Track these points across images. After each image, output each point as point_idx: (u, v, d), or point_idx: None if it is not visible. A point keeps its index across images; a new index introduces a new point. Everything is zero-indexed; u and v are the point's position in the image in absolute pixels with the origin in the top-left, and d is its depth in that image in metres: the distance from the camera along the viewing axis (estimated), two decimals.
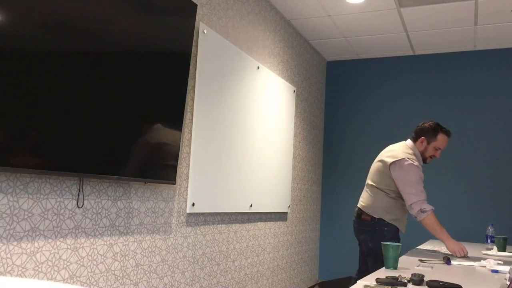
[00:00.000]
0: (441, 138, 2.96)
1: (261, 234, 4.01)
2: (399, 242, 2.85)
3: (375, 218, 2.95)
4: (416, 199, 2.79)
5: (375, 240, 2.90)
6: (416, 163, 2.86)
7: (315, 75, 5.38)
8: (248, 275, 3.78)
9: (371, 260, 2.98)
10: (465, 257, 2.79)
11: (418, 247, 3.25)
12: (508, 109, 4.88)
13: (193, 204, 3.01)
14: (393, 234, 2.93)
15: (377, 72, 5.51)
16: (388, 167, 2.89)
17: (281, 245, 4.42)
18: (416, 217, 2.83)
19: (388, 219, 2.93)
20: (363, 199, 3.07)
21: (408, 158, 2.85)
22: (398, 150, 2.96)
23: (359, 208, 3.07)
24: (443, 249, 3.17)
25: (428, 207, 2.79)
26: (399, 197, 2.93)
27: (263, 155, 3.95)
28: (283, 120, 4.36)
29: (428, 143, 2.96)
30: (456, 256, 2.77)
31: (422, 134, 2.97)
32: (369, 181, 3.07)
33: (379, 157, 3.06)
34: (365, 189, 3.10)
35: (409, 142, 3.04)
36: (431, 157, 3.01)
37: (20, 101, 1.80)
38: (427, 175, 5.04)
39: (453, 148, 5.03)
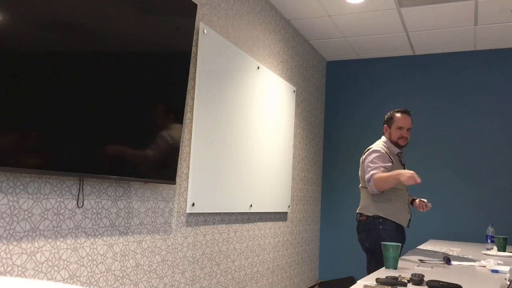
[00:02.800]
0: (398, 117, 3.04)
1: (261, 234, 4.01)
2: (397, 241, 2.80)
3: (370, 216, 2.96)
4: (369, 174, 2.85)
5: (370, 239, 2.91)
6: (379, 148, 2.97)
7: (315, 75, 5.38)
8: (248, 275, 3.78)
9: (368, 260, 2.98)
10: (465, 255, 2.80)
11: (418, 247, 3.25)
12: (508, 109, 4.88)
13: (193, 204, 3.01)
14: (390, 233, 2.88)
15: (377, 72, 5.51)
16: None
17: (281, 245, 4.42)
18: (373, 191, 2.86)
19: (383, 215, 2.91)
20: (360, 202, 3.12)
21: (372, 147, 3.00)
22: (371, 147, 3.09)
23: (357, 213, 3.11)
24: (443, 249, 3.18)
25: (374, 171, 2.82)
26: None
27: (263, 155, 3.95)
28: (283, 120, 4.36)
29: (390, 127, 3.06)
30: (413, 182, 2.64)
31: (384, 123, 3.12)
32: (360, 185, 3.14)
33: None
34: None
35: (382, 137, 3.14)
36: (399, 139, 3.02)
37: (20, 101, 1.81)
38: (427, 175, 5.05)
39: (453, 148, 5.03)
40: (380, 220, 2.90)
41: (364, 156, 3.01)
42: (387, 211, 2.91)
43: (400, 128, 3.01)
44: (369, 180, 2.86)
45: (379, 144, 3.04)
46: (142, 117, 2.42)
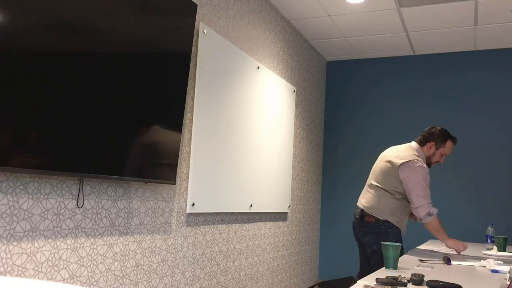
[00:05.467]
0: (449, 145, 2.97)
1: (261, 234, 4.01)
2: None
3: (380, 220, 2.90)
4: (424, 202, 2.79)
5: (379, 243, 2.88)
6: (424, 165, 2.86)
7: (315, 75, 5.38)
8: (248, 275, 3.78)
9: (375, 262, 2.95)
10: (465, 255, 2.82)
11: (418, 247, 3.25)
12: (508, 109, 4.88)
13: (193, 204, 3.01)
14: (397, 236, 2.91)
15: (377, 72, 5.51)
16: (396, 168, 2.85)
17: (281, 245, 4.42)
18: (421, 220, 2.84)
19: (393, 221, 2.89)
20: (366, 200, 3.00)
21: (417, 160, 2.84)
22: (405, 152, 2.93)
23: (361, 209, 3.00)
24: (443, 249, 3.18)
25: (435, 211, 2.82)
26: (405, 198, 2.90)
27: (263, 155, 3.95)
28: (283, 120, 4.36)
29: (437, 149, 2.96)
30: (458, 253, 2.85)
31: (432, 139, 2.96)
32: (373, 182, 3.00)
33: (384, 158, 3.01)
34: (368, 189, 3.04)
35: (414, 144, 3.01)
36: (435, 162, 3.01)
37: (20, 101, 1.81)
38: None
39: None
40: (390, 224, 2.90)
41: (405, 168, 2.83)
42: (396, 218, 2.90)
43: (444, 155, 2.99)
44: (427, 212, 2.80)
45: (417, 155, 2.92)
46: (142, 117, 2.42)
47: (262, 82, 3.93)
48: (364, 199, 3.03)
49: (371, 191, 2.99)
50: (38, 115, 1.87)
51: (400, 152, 2.94)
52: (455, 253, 2.93)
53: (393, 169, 2.87)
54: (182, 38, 2.70)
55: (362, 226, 3.00)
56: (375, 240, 2.91)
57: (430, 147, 2.95)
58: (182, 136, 2.87)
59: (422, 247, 3.30)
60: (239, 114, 3.55)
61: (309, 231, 5.20)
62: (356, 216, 3.07)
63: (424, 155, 2.96)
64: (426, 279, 1.75)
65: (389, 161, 2.93)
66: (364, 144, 5.41)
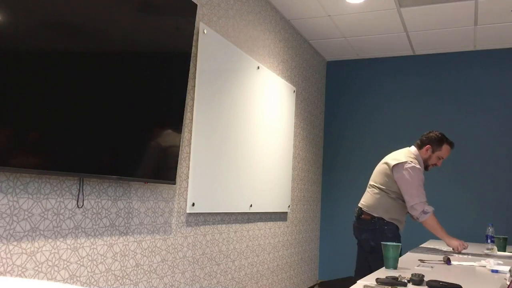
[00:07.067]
0: (445, 148, 3.10)
1: (261, 234, 4.01)
2: (400, 240, 2.99)
3: (375, 217, 3.02)
4: (418, 201, 2.90)
5: (377, 239, 2.97)
6: (418, 166, 2.98)
7: (315, 75, 5.38)
8: (248, 275, 3.78)
9: (373, 259, 3.00)
10: (465, 253, 2.85)
11: (418, 247, 3.25)
12: (508, 109, 4.88)
13: (193, 204, 3.01)
14: (394, 232, 3.00)
15: (377, 72, 5.51)
16: (391, 169, 3.00)
17: (281, 245, 4.42)
18: (418, 218, 2.94)
19: (387, 218, 3.01)
20: (364, 199, 3.15)
21: (410, 161, 2.97)
22: (401, 154, 3.08)
23: (359, 208, 3.14)
24: (443, 248, 3.18)
25: (430, 209, 2.91)
26: (399, 198, 3.01)
27: (263, 155, 3.95)
28: (283, 120, 4.36)
29: (433, 152, 3.08)
30: (458, 252, 2.91)
31: (428, 142, 3.09)
32: (371, 182, 3.16)
33: (383, 160, 3.16)
34: (367, 190, 3.19)
35: (413, 148, 3.15)
36: (433, 165, 3.14)
37: (20, 101, 1.80)
38: (427, 175, 5.04)
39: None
40: (385, 221, 3.01)
41: (398, 169, 2.96)
42: (390, 216, 3.01)
43: (441, 158, 3.10)
44: (421, 211, 2.89)
45: (412, 157, 3.04)
46: (142, 117, 2.42)
47: (262, 82, 3.93)
48: (363, 199, 3.18)
49: (369, 190, 3.15)
50: (38, 115, 1.87)
51: (396, 155, 3.10)
52: (455, 252, 2.93)
53: (388, 170, 3.03)
54: (182, 38, 2.70)
55: (359, 224, 3.13)
56: (372, 237, 3.02)
57: (427, 149, 3.09)
58: (182, 136, 2.87)
59: (422, 246, 3.30)
60: (239, 114, 3.55)
61: (309, 231, 5.20)
62: (355, 215, 3.20)
63: (422, 158, 3.09)
64: (426, 279, 1.75)
65: (386, 163, 3.09)
66: (364, 144, 5.41)
